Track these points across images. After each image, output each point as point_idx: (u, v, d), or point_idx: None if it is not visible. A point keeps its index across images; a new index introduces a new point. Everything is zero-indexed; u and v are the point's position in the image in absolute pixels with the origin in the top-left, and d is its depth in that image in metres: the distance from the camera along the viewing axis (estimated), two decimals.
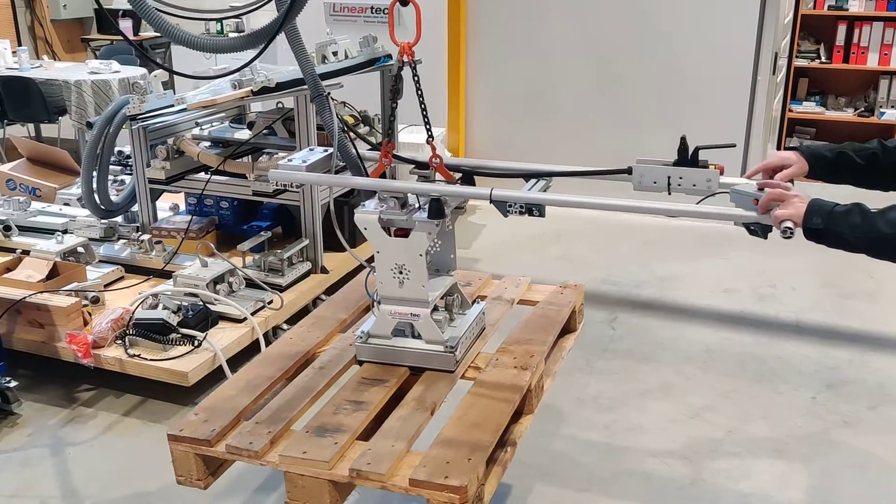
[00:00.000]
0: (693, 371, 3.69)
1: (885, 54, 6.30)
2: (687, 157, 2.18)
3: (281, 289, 3.89)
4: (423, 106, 2.39)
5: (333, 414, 2.21)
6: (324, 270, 4.18)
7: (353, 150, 2.56)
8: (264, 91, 3.80)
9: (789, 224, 1.87)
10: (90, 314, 3.61)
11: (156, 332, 3.41)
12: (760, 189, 2.04)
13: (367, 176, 2.50)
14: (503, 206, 2.22)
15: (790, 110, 6.60)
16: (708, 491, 2.88)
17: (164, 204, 4.64)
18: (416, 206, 2.33)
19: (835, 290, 4.49)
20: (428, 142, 2.36)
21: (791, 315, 4.23)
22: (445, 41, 5.66)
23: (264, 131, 4.37)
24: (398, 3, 2.31)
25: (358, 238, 4.49)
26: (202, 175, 4.28)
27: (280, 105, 4.49)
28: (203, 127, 4.55)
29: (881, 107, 6.42)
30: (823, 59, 6.49)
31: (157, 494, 2.90)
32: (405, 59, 2.35)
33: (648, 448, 3.11)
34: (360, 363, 2.47)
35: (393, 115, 2.43)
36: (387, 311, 2.40)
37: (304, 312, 4.09)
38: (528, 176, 2.39)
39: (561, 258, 4.85)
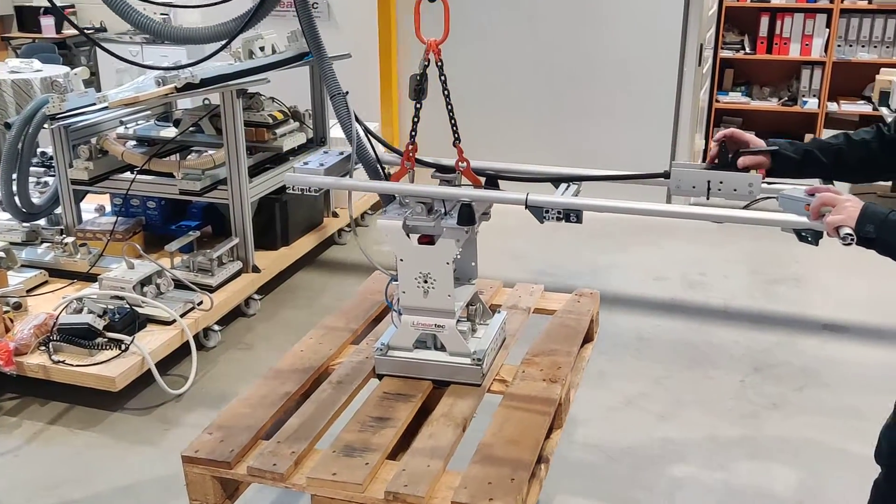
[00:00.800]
0: (626, 359, 3.74)
1: (807, 44, 6.47)
2: (727, 161, 2.10)
3: (211, 289, 3.81)
4: (449, 107, 2.29)
5: (359, 432, 2.12)
6: (255, 269, 4.11)
7: (373, 153, 2.42)
8: (188, 88, 3.72)
9: (849, 230, 1.77)
10: (12, 320, 3.49)
11: (81, 337, 3.31)
12: (811, 194, 1.93)
13: (386, 179, 2.38)
14: (539, 213, 2.13)
15: (717, 101, 6.73)
16: (642, 476, 2.92)
17: (88, 205, 4.51)
18: (442, 211, 2.24)
19: (763, 276, 4.60)
20: (455, 144, 2.27)
21: (721, 301, 4.32)
22: (376, 32, 5.62)
23: (191, 129, 4.29)
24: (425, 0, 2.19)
25: (292, 236, 4.50)
26: (128, 175, 4.17)
27: (207, 102, 4.40)
28: (128, 125, 4.44)
29: (803, 96, 6.59)
30: (748, 50, 6.63)
31: (85, 503, 2.82)
32: (431, 57, 2.21)
33: (584, 435, 3.14)
34: (380, 377, 2.37)
35: (417, 115, 2.28)
36: (409, 321, 2.30)
37: (235, 313, 4.03)
38: (556, 180, 2.32)
39: (502, 252, 4.86)
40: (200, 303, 3.70)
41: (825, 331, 4.00)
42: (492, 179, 2.29)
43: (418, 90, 2.22)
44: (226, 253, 3.97)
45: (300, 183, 2.30)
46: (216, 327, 3.81)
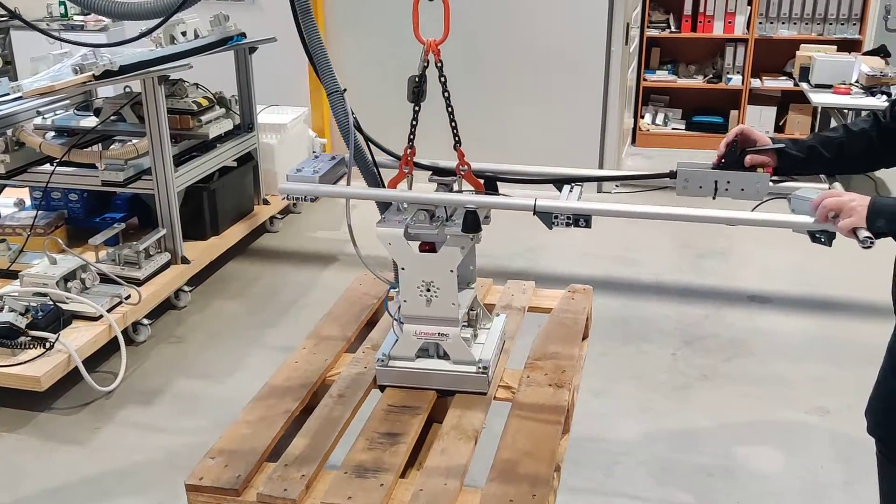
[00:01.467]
0: None
1: (729, 22, 6.60)
2: (735, 160, 2.07)
3: (139, 282, 3.72)
4: (449, 110, 2.19)
5: (368, 449, 2.03)
6: (185, 261, 4.02)
7: (370, 156, 2.27)
8: (108, 75, 3.60)
9: (867, 234, 1.75)
10: None
11: (3, 336, 3.19)
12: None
13: (383, 184, 2.25)
14: (548, 219, 2.04)
15: (644, 79, 6.83)
16: (580, 454, 2.95)
17: (7, 199, 4.36)
18: (444, 217, 2.15)
19: (691, 250, 4.69)
20: (455, 148, 2.17)
21: (651, 277, 4.40)
22: None
23: (112, 118, 4.16)
24: None
25: (221, 225, 4.41)
26: (47, 167, 4.03)
27: (128, 89, 4.27)
28: (45, 116, 4.28)
29: (728, 73, 6.74)
30: (673, 28, 6.74)
31: None
32: (430, 58, 2.11)
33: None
34: (382, 388, 2.29)
35: (415, 118, 2.17)
36: (411, 331, 2.21)
37: (165, 306, 3.94)
38: (558, 182, 2.23)
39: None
40: (128, 297, 3.60)
41: (752, 302, 4.11)
42: (491, 182, 2.22)
43: (417, 92, 2.13)
44: (153, 245, 3.87)
45: (295, 192, 2.17)
46: (145, 321, 3.72)
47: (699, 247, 4.72)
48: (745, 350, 3.66)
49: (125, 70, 3.64)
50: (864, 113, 4.83)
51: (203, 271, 4.23)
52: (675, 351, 3.65)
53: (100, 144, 4.31)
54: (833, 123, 5.59)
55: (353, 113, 2.20)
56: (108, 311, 3.47)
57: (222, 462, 2.00)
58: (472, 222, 2.07)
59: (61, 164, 3.97)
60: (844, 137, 2.06)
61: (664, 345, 3.71)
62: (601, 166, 5.70)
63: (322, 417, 2.17)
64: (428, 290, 2.16)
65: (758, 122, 6.70)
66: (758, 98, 6.76)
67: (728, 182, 2.08)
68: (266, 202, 4.91)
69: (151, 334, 3.77)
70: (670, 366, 3.54)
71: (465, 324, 2.29)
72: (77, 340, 3.29)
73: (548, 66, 5.52)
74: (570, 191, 2.18)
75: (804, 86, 5.82)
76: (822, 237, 1.89)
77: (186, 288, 4.06)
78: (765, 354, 3.62)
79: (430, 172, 2.26)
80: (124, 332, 3.51)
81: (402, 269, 2.17)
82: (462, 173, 2.17)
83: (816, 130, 5.86)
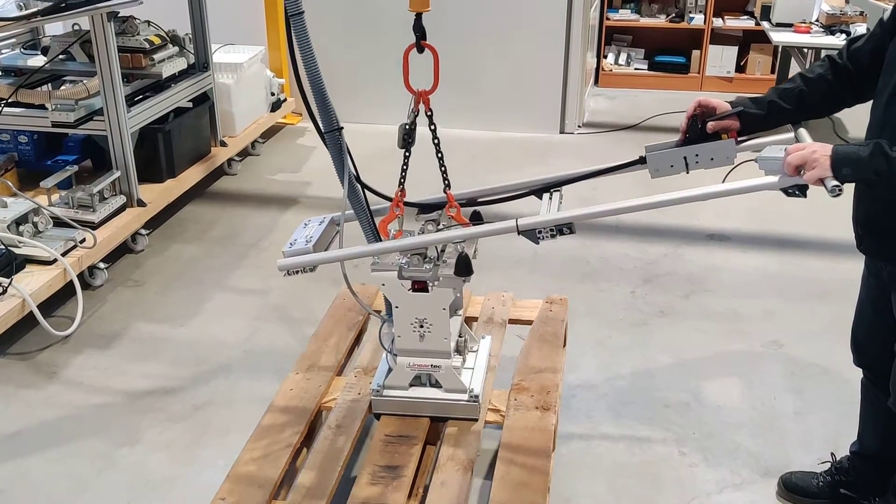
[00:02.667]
0: (522, 275, 3.81)
1: None
2: (698, 133, 2.11)
3: (93, 226, 3.65)
4: (441, 160, 2.24)
5: (371, 485, 2.11)
6: (141, 203, 3.95)
7: (366, 203, 2.26)
8: (53, 11, 3.47)
9: (835, 183, 1.78)
10: None
11: None
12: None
13: (375, 226, 2.27)
14: (532, 235, 2.08)
15: (608, 18, 6.77)
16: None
17: None
18: (435, 256, 2.21)
19: (650, 189, 4.64)
20: (445, 191, 2.23)
21: (611, 216, 4.41)
22: None
23: (61, 56, 4.03)
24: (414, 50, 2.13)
25: (178, 168, 4.33)
26: None
27: (76, 27, 4.13)
28: None
29: (690, 12, 6.70)
30: None
31: None
32: (420, 108, 2.16)
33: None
34: (377, 416, 2.37)
35: (406, 163, 2.24)
36: (405, 363, 2.31)
37: (122, 250, 3.89)
38: (538, 192, 2.28)
39: (393, 175, 4.81)
40: (83, 240, 3.53)
41: (710, 240, 4.16)
42: (476, 215, 2.28)
43: (407, 140, 2.19)
44: (107, 187, 3.79)
45: (293, 266, 2.23)
46: (102, 265, 3.66)
47: (660, 186, 4.70)
48: (703, 287, 3.71)
49: (72, 6, 3.51)
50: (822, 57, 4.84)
51: (160, 214, 4.17)
52: (633, 289, 3.70)
53: (49, 85, 4.18)
54: (793, 63, 5.60)
55: (349, 152, 2.19)
56: (63, 255, 3.40)
57: (233, 502, 2.07)
58: (465, 266, 2.14)
59: (9, 104, 3.85)
60: (802, 86, 2.10)
61: (623, 283, 3.75)
62: (563, 108, 5.67)
63: (323, 451, 2.25)
64: (421, 326, 2.26)
65: (719, 61, 6.71)
66: (719, 38, 6.75)
67: (697, 155, 2.14)
68: (223, 144, 4.82)
69: (108, 278, 3.72)
70: (629, 303, 3.59)
71: (455, 351, 2.39)
72: (31, 285, 3.24)
73: (510, 6, 5.44)
74: (550, 198, 2.25)
75: (765, 24, 5.82)
76: (796, 191, 1.92)
77: (143, 231, 3.99)
78: (722, 291, 3.68)
79: (417, 211, 2.32)
80: (80, 276, 3.45)
81: (396, 307, 2.25)
82: (452, 215, 2.23)
83: (777, 69, 5.88)
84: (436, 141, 2.20)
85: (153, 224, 4.14)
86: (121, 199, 3.85)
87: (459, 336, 2.41)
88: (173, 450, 2.71)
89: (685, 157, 2.14)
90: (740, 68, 6.75)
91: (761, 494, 2.52)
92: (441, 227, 2.25)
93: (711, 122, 2.11)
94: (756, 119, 2.13)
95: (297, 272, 2.24)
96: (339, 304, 2.94)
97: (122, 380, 3.07)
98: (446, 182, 2.25)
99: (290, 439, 2.29)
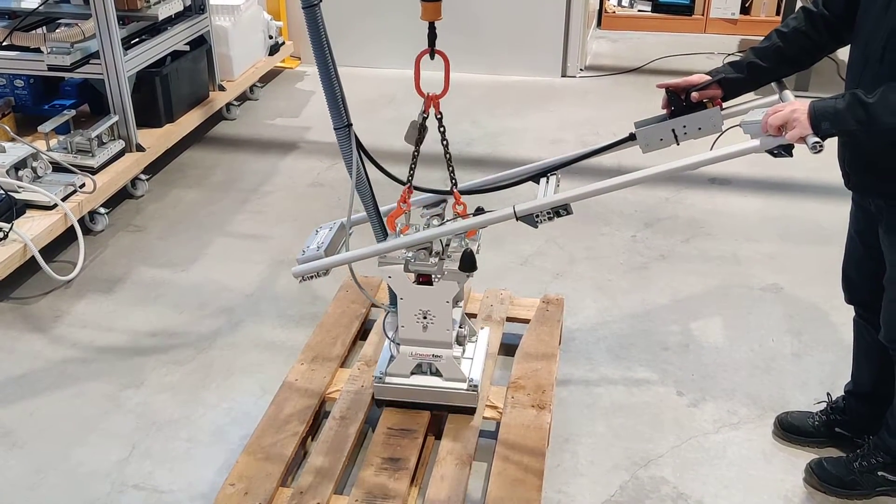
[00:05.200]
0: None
1: None
2: (682, 105, 2.14)
3: (93, 171, 3.63)
4: (449, 160, 2.28)
5: (374, 476, 2.22)
6: (140, 148, 3.93)
7: (373, 200, 2.33)
8: None
9: (815, 140, 1.81)
10: None
11: None
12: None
13: (383, 221, 2.35)
14: (531, 219, 2.14)
15: None
16: None
17: None
18: (440, 250, 2.27)
19: (656, 163, 4.67)
20: (452, 190, 2.29)
21: (613, 161, 4.38)
22: None
23: None
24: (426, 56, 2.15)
25: (176, 112, 4.30)
26: None
27: None
28: None
29: None
30: None
31: None
32: (431, 111, 2.20)
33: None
34: (379, 403, 2.45)
35: (414, 161, 2.28)
36: (408, 352, 2.38)
37: (122, 195, 3.88)
38: (535, 177, 2.34)
39: (393, 121, 4.78)
40: (83, 185, 3.53)
41: (712, 185, 4.14)
42: (480, 210, 2.31)
43: (418, 141, 2.24)
44: (105, 132, 3.76)
45: (307, 272, 2.30)
46: (102, 210, 3.66)
47: (663, 159, 4.68)
48: (704, 231, 3.71)
49: None
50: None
51: (159, 160, 4.15)
52: (634, 233, 3.70)
53: (44, 27, 4.13)
54: (799, 3, 5.51)
55: (357, 147, 2.25)
56: (63, 199, 3.40)
57: (242, 489, 2.17)
58: (469, 262, 2.21)
59: (3, 48, 3.81)
60: (779, 42, 2.11)
61: (624, 227, 3.75)
62: (566, 51, 5.59)
63: (327, 442, 2.34)
64: (424, 318, 2.33)
65: (723, 3, 6.59)
66: None
67: (684, 126, 2.17)
68: (222, 88, 4.77)
69: (109, 223, 3.72)
70: (629, 247, 3.59)
71: (455, 342, 2.45)
72: (32, 230, 3.24)
73: None
74: (547, 182, 2.30)
75: None
76: (782, 151, 1.96)
77: (143, 176, 3.98)
78: (723, 234, 3.68)
79: (423, 206, 2.37)
80: (81, 221, 3.46)
81: (401, 298, 2.32)
82: (459, 212, 2.27)
83: (782, 10, 5.78)
84: (445, 143, 2.26)
85: (153, 169, 4.13)
86: (119, 144, 3.83)
87: (459, 327, 2.49)
88: (177, 391, 2.75)
89: (673, 130, 2.18)
90: (745, 10, 6.64)
91: (758, 434, 2.56)
92: (446, 221, 2.33)
93: (695, 92, 2.14)
94: (737, 83, 2.15)
95: (312, 277, 2.32)
96: (343, 297, 2.99)
97: (126, 323, 3.09)
98: (453, 181, 2.31)
99: (297, 428, 2.38)
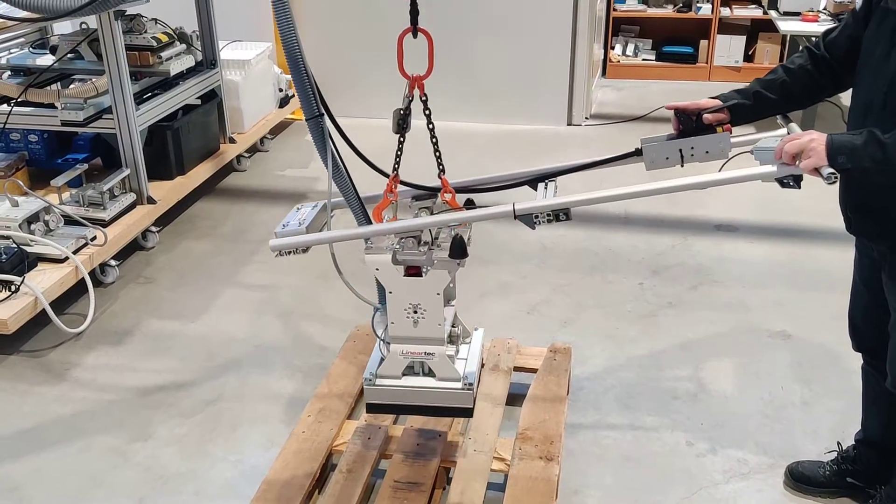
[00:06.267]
0: (530, 269, 3.82)
1: None
2: (692, 126, 2.13)
3: (104, 223, 3.68)
4: (434, 140, 2.22)
5: None
6: (151, 201, 3.98)
7: (353, 187, 2.28)
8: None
9: (830, 171, 1.80)
10: None
11: None
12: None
13: (364, 207, 2.29)
14: (529, 220, 2.09)
15: (614, 9, 6.76)
16: None
17: None
18: (430, 241, 2.19)
19: (659, 180, 4.70)
20: (440, 176, 2.22)
21: (620, 208, 4.43)
22: None
23: (69, 55, 4.06)
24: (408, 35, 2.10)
25: (187, 165, 4.36)
26: (4, 108, 3.94)
27: (84, 26, 4.16)
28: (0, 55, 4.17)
29: (697, 2, 6.68)
30: None
31: None
32: (415, 93, 2.15)
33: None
34: (370, 407, 2.36)
35: (400, 148, 2.22)
36: (398, 350, 2.27)
37: (133, 247, 3.92)
38: (533, 182, 2.30)
39: (402, 173, 4.83)
40: (94, 238, 3.57)
41: (718, 231, 4.16)
42: (470, 204, 2.26)
43: (402, 125, 2.18)
44: (117, 185, 3.82)
45: (285, 247, 2.20)
46: (113, 262, 3.69)
47: (668, 175, 4.70)
48: (711, 278, 3.71)
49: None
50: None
51: (170, 211, 4.20)
52: (642, 280, 3.70)
53: (58, 83, 4.22)
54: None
55: (331, 137, 2.21)
56: (74, 252, 3.44)
57: None
58: (460, 248, 2.12)
59: (18, 104, 3.89)
60: (785, 76, 2.14)
61: (631, 274, 3.75)
62: (571, 100, 5.67)
63: (335, 495, 2.33)
64: (415, 312, 2.22)
65: (727, 51, 6.68)
66: (727, 27, 6.72)
67: (692, 148, 2.15)
68: (232, 140, 4.84)
69: (119, 275, 3.75)
70: (637, 294, 3.59)
71: (448, 341, 2.37)
72: (43, 283, 3.27)
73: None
74: (546, 188, 2.25)
75: (773, 14, 5.79)
76: (790, 181, 1.94)
77: (153, 228, 4.03)
78: (730, 281, 3.68)
79: (412, 198, 2.30)
80: (92, 273, 3.49)
81: (390, 292, 2.22)
82: (447, 200, 2.22)
83: (785, 58, 5.85)
84: (430, 126, 2.19)
85: (163, 221, 4.17)
86: (131, 197, 3.89)
87: (453, 326, 2.38)
88: (185, 445, 2.74)
89: (681, 150, 2.16)
90: (748, 58, 6.72)
91: (768, 484, 2.53)
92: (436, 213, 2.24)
93: (707, 115, 2.14)
94: (744, 110, 2.16)
95: (290, 253, 2.21)
96: (350, 347, 3.00)
97: (134, 376, 3.10)
98: (441, 167, 2.23)
99: (303, 482, 2.36)
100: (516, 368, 2.90)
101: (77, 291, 3.47)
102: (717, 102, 2.16)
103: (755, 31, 6.68)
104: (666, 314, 3.44)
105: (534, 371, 2.86)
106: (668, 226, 4.23)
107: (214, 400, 2.96)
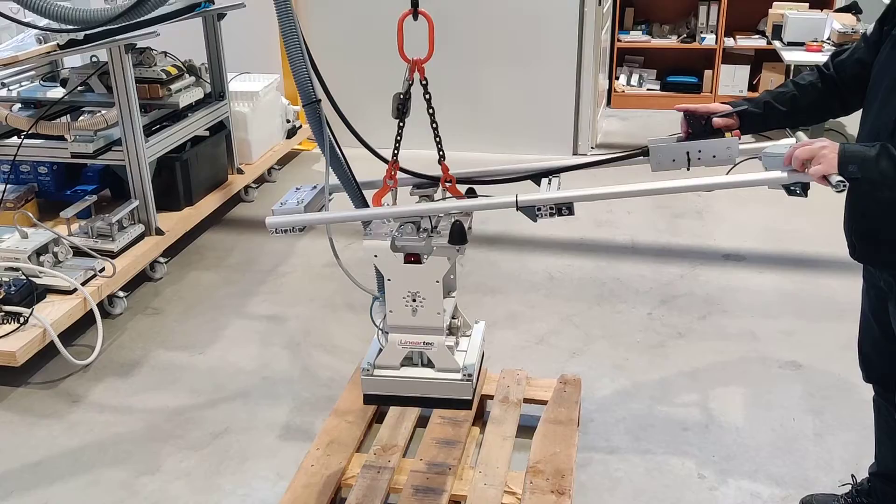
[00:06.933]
0: (538, 298, 3.81)
1: None
2: (701, 130, 2.12)
3: (113, 255, 3.69)
4: (435, 127, 2.20)
5: None
6: (159, 232, 3.99)
7: (350, 172, 2.26)
8: (72, 44, 3.53)
9: (839, 178, 1.80)
10: None
11: None
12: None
13: (365, 200, 2.27)
14: (531, 212, 2.08)
15: (619, 40, 6.81)
16: None
17: None
18: (429, 228, 2.17)
19: (667, 210, 4.72)
20: (440, 162, 2.21)
21: (627, 237, 4.43)
22: None
23: (80, 88, 4.10)
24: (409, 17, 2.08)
25: (195, 196, 4.38)
26: (14, 140, 3.97)
27: (95, 59, 4.20)
28: (11, 87, 4.22)
29: (701, 32, 6.73)
30: None
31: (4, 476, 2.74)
32: (416, 76, 2.13)
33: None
34: (367, 399, 2.31)
35: (400, 133, 2.19)
36: (396, 340, 2.23)
37: (141, 278, 3.92)
38: (535, 177, 2.28)
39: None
40: (102, 269, 3.58)
41: (726, 261, 4.15)
42: (471, 193, 2.25)
43: (401, 109, 2.14)
44: (126, 216, 3.84)
45: (281, 225, 2.18)
46: (121, 294, 3.70)
47: (675, 206, 4.74)
48: (720, 307, 3.70)
49: (91, 39, 3.57)
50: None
51: (178, 242, 4.21)
52: (650, 310, 3.69)
53: (68, 116, 4.26)
54: None
55: (328, 123, 2.18)
56: (83, 284, 3.44)
57: None
58: (459, 233, 2.09)
59: (29, 136, 3.92)
60: (795, 91, 2.16)
61: (640, 304, 3.75)
62: (576, 129, 5.69)
63: None
64: (414, 301, 2.19)
65: (731, 81, 6.72)
66: (731, 57, 6.76)
67: (699, 151, 2.13)
68: (240, 171, 4.87)
69: (128, 307, 3.76)
70: (645, 325, 3.58)
71: (448, 332, 2.33)
72: (52, 315, 3.27)
73: (521, 29, 5.49)
74: (549, 183, 2.23)
75: (777, 44, 5.83)
76: (798, 189, 1.93)
77: (162, 259, 4.04)
78: (739, 311, 3.66)
79: (412, 186, 2.28)
80: (100, 304, 3.49)
81: (389, 280, 2.19)
82: (447, 186, 2.20)
83: None
84: (430, 111, 2.16)
85: (171, 252, 4.18)
86: (139, 228, 3.90)
87: (453, 318, 2.34)
88: (193, 478, 2.73)
89: (688, 153, 2.14)
90: (753, 87, 6.76)
91: None
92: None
93: (717, 119, 2.13)
94: (755, 118, 2.17)
95: (286, 231, 2.18)
96: (359, 379, 2.94)
97: (142, 408, 3.09)
98: (441, 153, 2.21)
99: None
100: (526, 400, 2.88)
101: (85, 323, 3.47)
102: (728, 107, 2.16)
103: (759, 61, 6.72)
104: (675, 344, 3.43)
105: (544, 403, 2.84)
106: (675, 255, 4.23)
107: (222, 432, 2.94)
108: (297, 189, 2.32)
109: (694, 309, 3.70)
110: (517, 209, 2.07)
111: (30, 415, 3.06)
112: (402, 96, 2.13)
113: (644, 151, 2.20)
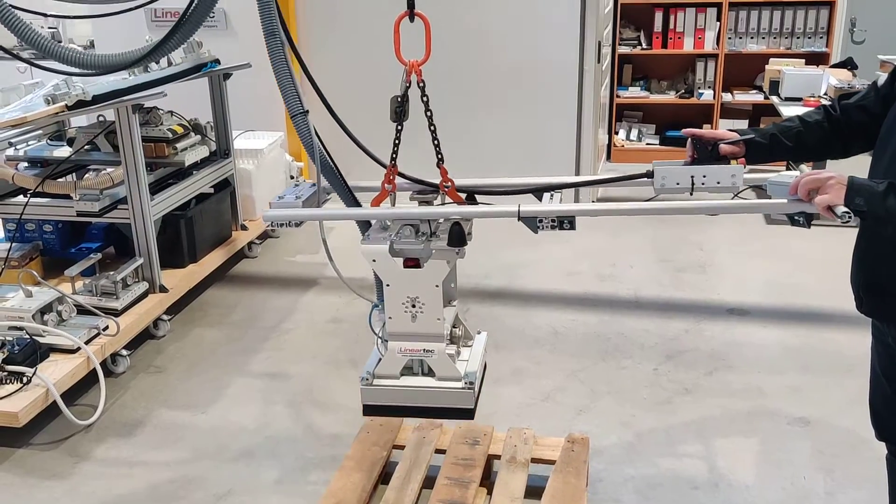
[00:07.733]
0: (542, 354, 3.80)
1: (699, 38, 6.70)
2: (707, 155, 2.12)
3: (116, 313, 3.69)
4: (432, 128, 2.21)
5: None
6: (163, 289, 3.99)
7: (340, 176, 2.30)
8: (80, 105, 3.58)
9: (845, 209, 1.80)
10: None
11: None
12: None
13: (358, 204, 2.28)
14: (533, 223, 2.10)
15: (618, 96, 6.90)
16: None
17: None
18: (428, 233, 2.16)
19: (669, 264, 4.73)
20: (438, 165, 2.21)
21: (630, 292, 4.43)
22: None
23: (86, 147, 4.14)
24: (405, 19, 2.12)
25: (199, 252, 4.39)
26: (20, 198, 4.00)
27: (102, 118, 4.25)
28: (18, 147, 4.25)
29: (699, 88, 6.82)
30: (644, 45, 6.82)
31: None
32: (413, 78, 2.16)
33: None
34: (366, 409, 2.27)
35: (398, 137, 2.20)
36: (396, 348, 2.20)
37: (144, 336, 3.91)
38: (537, 191, 2.29)
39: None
40: (106, 328, 3.57)
41: (731, 315, 4.14)
42: (472, 198, 2.25)
43: (399, 112, 2.16)
44: (130, 274, 3.84)
45: (279, 218, 2.19)
46: (124, 352, 3.68)
47: (677, 260, 4.75)
48: (726, 363, 3.68)
49: (98, 100, 3.63)
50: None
51: (182, 299, 4.21)
52: (656, 366, 3.67)
53: (74, 174, 4.29)
54: None
55: (317, 133, 2.22)
56: (86, 343, 3.43)
57: None
58: (458, 236, 2.09)
59: (35, 195, 3.95)
60: (801, 127, 2.17)
61: (645, 360, 3.73)
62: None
63: None
64: (413, 306, 2.15)
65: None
66: (729, 112, 6.84)
67: (704, 176, 2.12)
68: (244, 228, 4.89)
69: (130, 365, 3.73)
70: (652, 381, 3.56)
71: (449, 341, 2.30)
72: (55, 374, 3.25)
73: (522, 86, 5.57)
74: (551, 198, 2.24)
75: (774, 99, 5.91)
76: (801, 219, 1.94)
77: (165, 317, 4.03)
78: (745, 367, 3.64)
79: (413, 192, 2.27)
80: (103, 363, 3.47)
81: (387, 285, 2.16)
82: (446, 190, 2.19)
83: None
84: (428, 113, 2.16)
85: (175, 309, 4.18)
86: (143, 286, 3.90)
87: (454, 327, 2.31)
88: None
89: (693, 177, 2.13)
90: None
91: None
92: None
93: (723, 146, 2.14)
94: (760, 148, 2.17)
95: (283, 225, 2.19)
96: (365, 438, 2.95)
97: (144, 469, 3.05)
98: (439, 157, 2.20)
99: None
100: (534, 460, 2.84)
101: (88, 381, 3.45)
102: (735, 135, 2.17)
103: (757, 115, 6.80)
104: (682, 400, 3.40)
105: (552, 462, 2.81)
106: (679, 309, 4.22)
107: (226, 494, 2.90)
108: (297, 185, 2.33)
109: (700, 364, 3.68)
110: (518, 219, 2.09)
111: (31, 476, 3.02)
112: (399, 99, 2.14)
113: (649, 173, 2.19)
